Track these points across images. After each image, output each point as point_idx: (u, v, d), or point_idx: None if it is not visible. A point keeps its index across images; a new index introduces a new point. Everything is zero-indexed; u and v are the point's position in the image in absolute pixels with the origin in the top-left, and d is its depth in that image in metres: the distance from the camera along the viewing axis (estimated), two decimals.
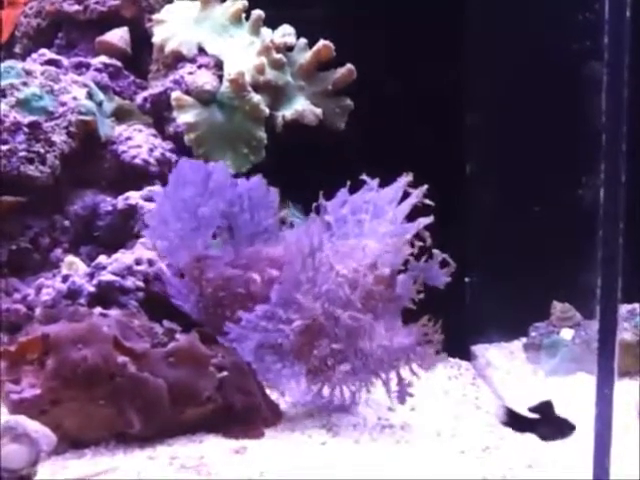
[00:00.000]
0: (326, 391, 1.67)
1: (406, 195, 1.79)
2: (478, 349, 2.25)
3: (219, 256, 1.83)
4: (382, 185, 1.82)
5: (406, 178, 1.78)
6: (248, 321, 1.64)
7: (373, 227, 1.77)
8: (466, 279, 2.21)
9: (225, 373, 1.60)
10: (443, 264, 1.71)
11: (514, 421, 1.58)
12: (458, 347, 2.18)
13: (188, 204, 1.85)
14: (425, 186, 1.76)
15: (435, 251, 1.69)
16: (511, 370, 2.09)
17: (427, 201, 1.75)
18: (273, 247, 1.84)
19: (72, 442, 1.51)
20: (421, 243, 1.71)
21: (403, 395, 1.64)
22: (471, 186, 2.23)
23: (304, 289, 1.64)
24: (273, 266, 1.78)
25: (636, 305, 2.10)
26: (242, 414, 1.57)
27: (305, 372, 1.65)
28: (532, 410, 1.59)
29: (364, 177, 1.80)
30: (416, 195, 1.76)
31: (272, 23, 2.31)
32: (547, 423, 1.55)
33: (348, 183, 1.78)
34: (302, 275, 1.64)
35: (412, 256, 1.69)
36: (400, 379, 1.63)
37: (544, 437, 1.54)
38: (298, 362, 1.64)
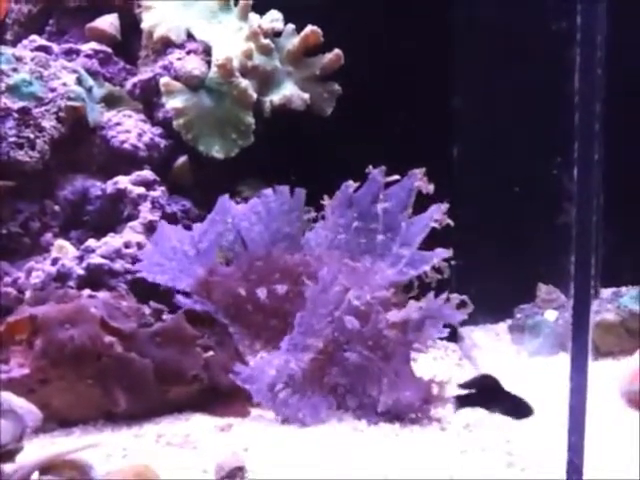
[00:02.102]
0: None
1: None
2: (464, 331, 2.27)
3: (226, 273, 1.82)
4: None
5: (418, 176, 1.72)
6: (257, 365, 1.63)
7: (386, 243, 1.72)
8: (452, 262, 2.23)
9: (211, 353, 1.62)
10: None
11: (462, 401, 1.58)
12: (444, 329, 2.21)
13: (177, 250, 1.87)
14: (446, 205, 1.70)
15: (454, 295, 1.61)
16: (496, 351, 2.11)
17: (448, 221, 1.70)
18: (291, 255, 1.81)
19: (60, 421, 1.55)
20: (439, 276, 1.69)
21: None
22: (456, 170, 2.25)
23: (315, 329, 1.64)
24: (286, 277, 1.78)
25: (622, 288, 2.12)
26: (228, 393, 1.60)
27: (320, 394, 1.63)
28: (467, 385, 1.59)
29: (370, 170, 1.73)
30: (435, 218, 1.70)
31: (260, 9, 2.33)
32: (497, 399, 1.56)
33: (350, 180, 1.76)
34: (314, 317, 1.64)
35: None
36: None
37: (493, 411, 1.55)
38: (312, 386, 1.62)
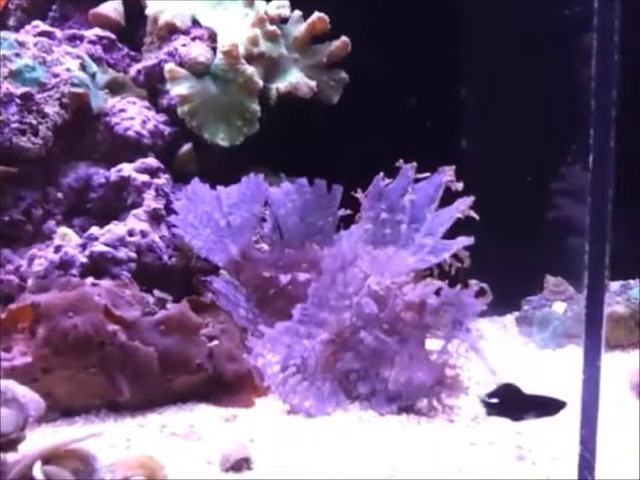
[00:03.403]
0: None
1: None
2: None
3: (258, 258, 1.86)
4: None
5: (447, 174, 1.73)
6: (270, 337, 1.62)
7: (411, 234, 1.73)
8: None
9: (216, 342, 1.60)
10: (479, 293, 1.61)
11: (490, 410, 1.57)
12: None
13: (210, 217, 1.91)
14: (471, 198, 1.70)
15: (473, 281, 1.59)
16: (503, 343, 2.09)
17: (472, 214, 1.70)
18: (322, 249, 1.83)
19: (63, 410, 1.53)
20: (459, 264, 1.68)
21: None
22: (464, 161, 2.22)
23: (332, 305, 1.63)
24: (313, 268, 1.79)
25: (630, 281, 2.10)
26: (233, 383, 1.58)
27: (331, 385, 1.61)
28: (491, 395, 1.59)
29: (400, 164, 1.74)
30: (460, 208, 1.70)
31: None
32: (521, 408, 1.55)
33: (381, 174, 1.75)
34: (330, 291, 1.63)
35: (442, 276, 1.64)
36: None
37: (519, 420, 1.53)
38: (323, 373, 1.61)
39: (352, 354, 1.62)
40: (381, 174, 1.76)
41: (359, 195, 1.78)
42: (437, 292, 1.61)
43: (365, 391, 1.60)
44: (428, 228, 1.72)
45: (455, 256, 1.71)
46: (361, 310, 1.62)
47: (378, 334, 1.61)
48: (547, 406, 1.53)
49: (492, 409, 1.55)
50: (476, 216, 1.70)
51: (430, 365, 1.59)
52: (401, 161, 1.74)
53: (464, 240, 1.69)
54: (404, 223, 1.74)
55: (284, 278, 1.82)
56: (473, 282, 1.59)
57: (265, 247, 1.94)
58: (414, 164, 1.75)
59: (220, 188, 1.94)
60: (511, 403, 1.55)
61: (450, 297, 1.59)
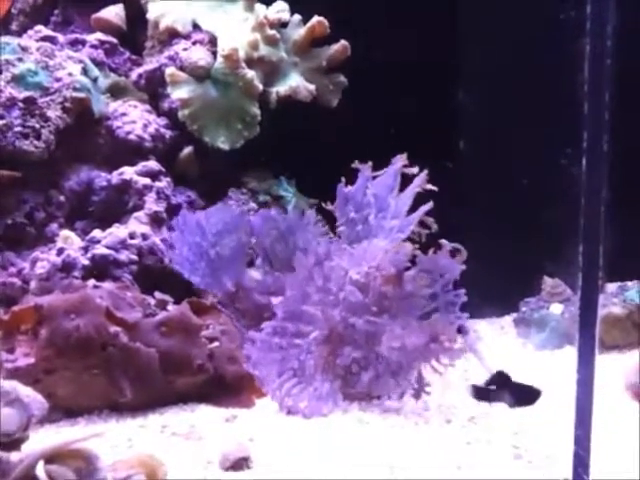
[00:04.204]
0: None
1: (404, 178, 1.79)
2: (469, 324, 2.26)
3: (252, 286, 1.90)
4: (378, 165, 1.81)
5: (401, 160, 1.77)
6: (262, 342, 1.63)
7: (379, 223, 1.77)
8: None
9: (216, 343, 1.62)
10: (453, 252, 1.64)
11: (480, 394, 1.60)
12: None
13: (200, 247, 1.94)
14: (425, 172, 1.74)
15: (442, 241, 1.62)
16: (501, 344, 2.11)
17: (430, 186, 1.74)
18: None
19: (66, 411, 1.54)
20: (427, 231, 1.71)
21: (419, 392, 1.63)
22: (462, 163, 2.24)
23: (314, 300, 1.65)
24: None
25: (628, 282, 2.11)
26: (233, 384, 1.59)
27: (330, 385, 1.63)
28: (489, 383, 1.61)
29: (356, 165, 1.79)
30: (417, 184, 1.74)
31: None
32: (510, 391, 1.57)
33: (343, 179, 1.80)
34: (309, 286, 1.65)
35: (420, 249, 1.66)
36: (420, 377, 1.63)
37: (511, 404, 1.56)
38: (323, 374, 1.62)
39: (349, 347, 1.63)
40: (342, 180, 1.80)
41: (330, 207, 1.83)
42: (413, 261, 1.64)
43: (369, 377, 1.62)
44: (393, 212, 1.76)
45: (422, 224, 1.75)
46: (348, 302, 1.64)
47: (368, 317, 1.63)
48: (525, 395, 1.55)
49: (477, 394, 1.58)
50: (434, 188, 1.74)
51: (421, 327, 1.62)
52: (356, 162, 1.78)
53: (424, 207, 1.72)
54: (371, 215, 1.78)
55: (275, 300, 1.81)
56: (444, 242, 1.61)
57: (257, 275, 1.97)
58: (369, 162, 1.79)
59: (201, 215, 1.97)
60: (501, 388, 1.57)
61: (425, 262, 1.63)
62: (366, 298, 1.64)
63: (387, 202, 1.78)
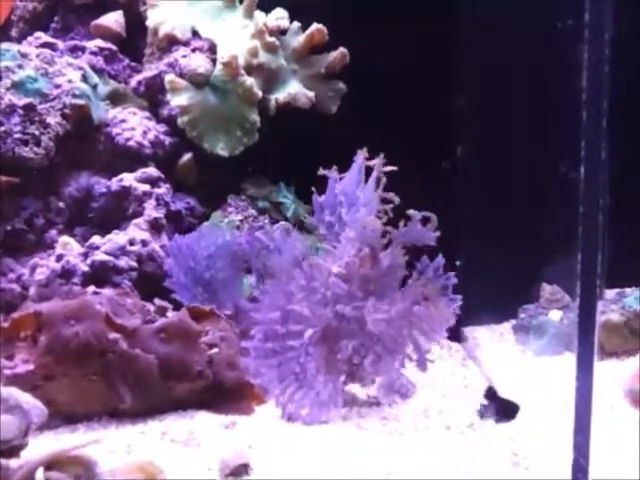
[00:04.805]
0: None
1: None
2: (468, 331, 2.27)
3: (251, 307, 1.86)
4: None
5: (362, 154, 1.77)
6: (256, 350, 1.63)
7: (352, 217, 1.77)
8: (457, 262, 2.23)
9: (216, 350, 1.62)
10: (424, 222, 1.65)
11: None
12: (449, 329, 2.21)
13: (194, 272, 1.94)
14: (381, 156, 1.75)
15: (411, 212, 1.63)
16: (500, 351, 2.11)
17: (388, 168, 1.74)
18: None
19: (65, 417, 1.55)
20: (391, 204, 1.71)
21: (423, 362, 1.66)
22: (460, 169, 2.25)
23: (299, 298, 1.65)
24: None
25: (626, 289, 2.12)
26: (232, 390, 1.60)
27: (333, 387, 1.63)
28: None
29: (322, 172, 1.79)
30: (378, 170, 1.74)
31: (265, 6, 2.33)
32: (495, 406, 1.58)
33: (314, 189, 1.81)
34: (292, 286, 1.65)
35: (391, 225, 1.68)
36: (417, 347, 1.65)
37: (496, 420, 1.57)
38: (328, 376, 1.62)
39: (346, 340, 1.63)
40: (314, 191, 1.81)
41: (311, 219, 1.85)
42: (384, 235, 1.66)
43: (370, 362, 1.63)
44: (362, 203, 1.76)
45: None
46: (335, 295, 1.64)
47: (355, 304, 1.63)
48: (505, 409, 1.56)
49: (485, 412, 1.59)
50: (394, 168, 1.73)
51: (403, 294, 1.64)
52: (321, 169, 1.78)
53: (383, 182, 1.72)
54: (343, 211, 1.78)
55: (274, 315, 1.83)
56: (413, 212, 1.62)
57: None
58: (335, 168, 1.79)
59: (192, 239, 1.97)
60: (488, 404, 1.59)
61: (399, 236, 1.64)
62: (352, 286, 1.65)
63: (356, 196, 1.79)
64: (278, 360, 1.62)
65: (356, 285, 1.65)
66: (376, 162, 1.75)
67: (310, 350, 1.63)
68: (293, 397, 1.59)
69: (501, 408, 1.57)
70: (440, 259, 1.73)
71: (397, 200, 1.71)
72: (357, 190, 1.77)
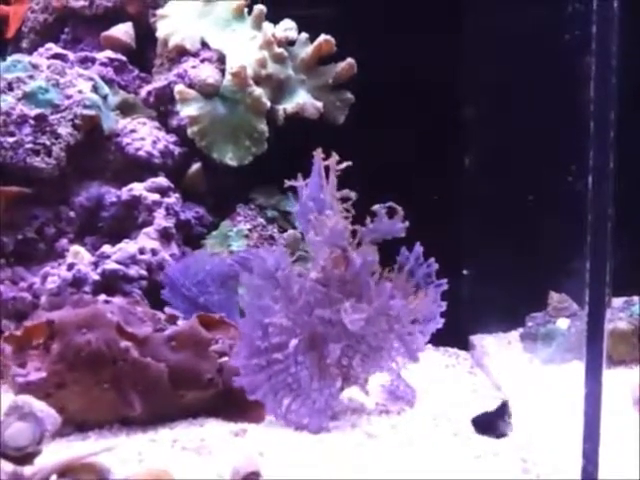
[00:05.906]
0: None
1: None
2: (476, 339, 2.28)
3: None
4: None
5: (318, 155, 1.75)
6: (244, 368, 1.61)
7: (322, 221, 1.74)
8: (464, 271, 2.24)
9: (226, 358, 1.63)
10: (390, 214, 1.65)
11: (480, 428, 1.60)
12: (456, 337, 2.22)
13: (190, 298, 1.96)
14: (318, 152, 1.73)
15: (375, 207, 1.63)
16: (508, 359, 2.11)
17: (343, 165, 1.72)
18: None
19: (77, 425, 1.55)
20: (349, 200, 1.69)
21: (413, 352, 1.67)
22: (468, 179, 2.26)
23: (275, 310, 1.63)
24: None
25: (634, 297, 2.12)
26: (242, 398, 1.60)
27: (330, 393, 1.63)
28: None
29: (288, 183, 1.77)
30: (332, 169, 1.72)
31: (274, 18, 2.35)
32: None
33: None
34: (266, 299, 1.64)
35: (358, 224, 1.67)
36: (401, 339, 1.66)
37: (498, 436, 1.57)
38: (323, 382, 1.62)
39: (333, 343, 1.62)
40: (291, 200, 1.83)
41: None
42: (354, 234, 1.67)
43: (357, 362, 1.64)
44: (329, 205, 1.74)
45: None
46: (316, 300, 1.64)
47: (334, 307, 1.62)
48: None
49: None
50: (350, 163, 1.71)
51: (377, 290, 1.64)
52: (292, 180, 1.76)
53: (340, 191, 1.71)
54: (312, 216, 1.76)
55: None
56: (378, 207, 1.63)
57: None
58: (299, 177, 1.75)
59: (183, 266, 1.99)
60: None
61: (368, 233, 1.65)
62: (330, 290, 1.64)
63: (322, 199, 1.78)
64: (267, 374, 1.61)
65: (334, 288, 1.65)
66: (331, 162, 1.73)
67: (300, 359, 1.62)
68: (290, 408, 1.59)
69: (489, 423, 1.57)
70: (419, 247, 1.73)
71: (353, 196, 1.69)
72: (320, 193, 1.75)
